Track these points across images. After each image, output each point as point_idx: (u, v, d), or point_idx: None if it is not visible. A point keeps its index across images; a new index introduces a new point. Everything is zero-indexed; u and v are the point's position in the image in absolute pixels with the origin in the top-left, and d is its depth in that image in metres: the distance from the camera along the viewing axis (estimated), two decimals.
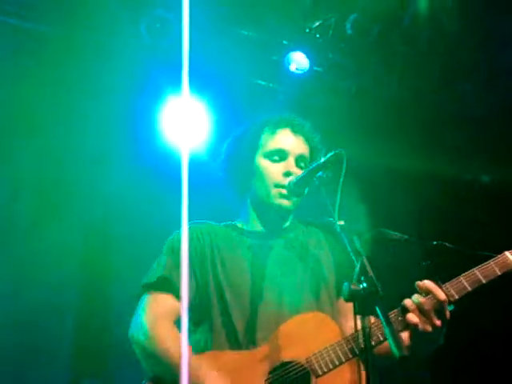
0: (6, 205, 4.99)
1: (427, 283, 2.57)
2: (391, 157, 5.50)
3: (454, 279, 2.63)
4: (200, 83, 4.84)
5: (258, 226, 2.94)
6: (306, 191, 2.77)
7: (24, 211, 5.04)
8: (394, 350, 2.05)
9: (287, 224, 2.96)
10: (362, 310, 2.07)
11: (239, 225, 3.00)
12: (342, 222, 2.33)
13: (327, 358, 2.54)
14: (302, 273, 2.80)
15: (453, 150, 5.76)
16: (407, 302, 2.57)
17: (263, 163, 2.90)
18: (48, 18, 4.81)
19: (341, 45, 5.36)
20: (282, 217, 2.93)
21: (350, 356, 2.53)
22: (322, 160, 2.57)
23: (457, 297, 2.59)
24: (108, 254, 5.31)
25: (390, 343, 2.06)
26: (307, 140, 2.98)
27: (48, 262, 4.83)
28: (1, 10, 4.72)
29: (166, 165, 4.94)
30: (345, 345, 2.55)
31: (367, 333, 2.06)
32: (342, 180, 2.38)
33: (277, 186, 2.83)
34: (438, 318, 2.53)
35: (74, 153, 5.17)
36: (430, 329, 2.53)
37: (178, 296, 2.71)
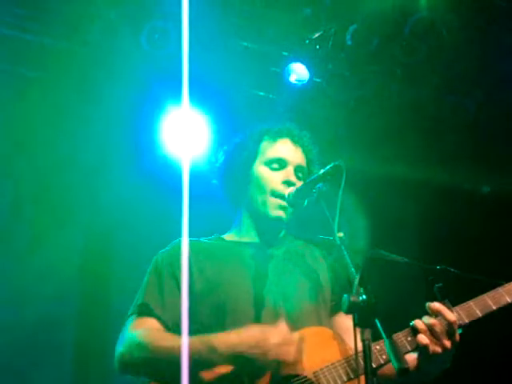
0: (6, 217, 4.99)
1: (437, 305, 2.57)
2: (391, 167, 5.51)
3: (464, 304, 2.62)
4: (200, 94, 4.85)
5: (252, 237, 2.92)
6: (305, 203, 2.76)
7: (24, 223, 5.04)
8: (394, 362, 2.04)
9: (281, 236, 2.95)
10: (362, 322, 2.05)
11: (230, 237, 2.97)
12: (341, 234, 2.33)
13: (335, 374, 2.51)
14: (302, 283, 2.79)
15: (453, 160, 5.76)
16: (417, 322, 2.56)
17: (262, 170, 2.89)
18: (50, 30, 4.84)
19: (341, 56, 5.36)
20: (277, 228, 2.92)
21: (360, 373, 2.47)
22: (322, 172, 2.57)
23: (466, 321, 2.59)
24: (109, 266, 5.30)
25: (389, 356, 2.06)
26: (305, 152, 2.98)
27: (48, 275, 4.82)
28: (3, 23, 4.74)
29: (167, 175, 4.95)
30: (353, 362, 2.52)
31: (367, 345, 2.04)
32: (341, 192, 2.38)
33: (274, 194, 2.82)
34: (448, 340, 2.53)
35: (75, 163, 5.18)
36: (439, 350, 2.52)
37: (160, 320, 2.67)
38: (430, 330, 2.53)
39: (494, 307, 2.62)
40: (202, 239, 2.93)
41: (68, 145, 5.11)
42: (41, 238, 4.92)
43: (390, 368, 2.38)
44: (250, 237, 2.92)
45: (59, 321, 4.91)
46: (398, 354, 2.04)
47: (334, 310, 2.81)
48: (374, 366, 2.32)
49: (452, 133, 5.89)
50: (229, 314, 2.65)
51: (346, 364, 2.53)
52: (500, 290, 2.65)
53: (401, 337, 2.57)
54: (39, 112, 4.98)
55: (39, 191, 5.05)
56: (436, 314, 2.56)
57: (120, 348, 2.62)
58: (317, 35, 5.19)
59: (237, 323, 2.56)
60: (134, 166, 5.22)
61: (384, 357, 2.50)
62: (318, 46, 5.27)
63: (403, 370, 2.02)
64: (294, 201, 2.76)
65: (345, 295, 2.10)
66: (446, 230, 5.83)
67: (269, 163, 2.89)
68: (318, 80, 5.48)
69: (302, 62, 5.32)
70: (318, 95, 5.53)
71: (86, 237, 5.26)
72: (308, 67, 5.34)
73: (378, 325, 2.05)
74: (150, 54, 4.92)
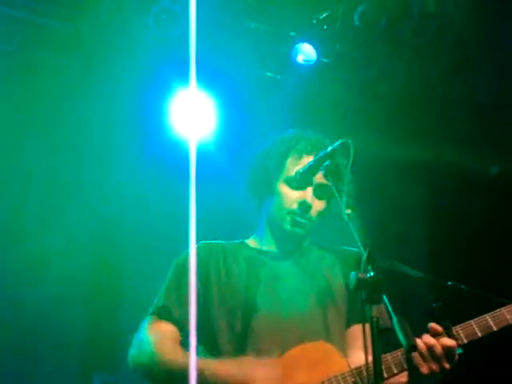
0: (16, 198, 5.01)
1: (439, 328, 2.57)
2: (399, 148, 5.48)
3: (465, 323, 2.62)
4: (207, 75, 4.83)
5: (272, 246, 2.93)
6: (312, 180, 2.75)
7: (33, 206, 5.06)
8: (403, 340, 2.04)
9: (303, 247, 2.95)
10: (370, 298, 2.05)
11: (252, 243, 2.99)
12: (349, 211, 2.32)
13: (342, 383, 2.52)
14: (315, 297, 2.80)
15: (462, 141, 5.73)
16: (418, 341, 2.53)
17: (283, 189, 2.86)
18: (56, 12, 4.82)
19: (348, 36, 5.33)
20: (294, 241, 2.91)
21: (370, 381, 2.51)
22: (330, 149, 2.56)
23: (465, 341, 2.59)
24: (118, 247, 5.33)
25: (397, 333, 2.06)
26: None
27: (59, 257, 4.85)
28: (9, 3, 4.73)
29: (174, 157, 4.95)
30: (356, 376, 2.53)
31: (374, 322, 2.04)
32: (349, 169, 2.38)
33: (291, 212, 2.82)
34: (447, 362, 2.54)
35: (82, 146, 5.19)
36: (437, 370, 2.53)
37: (177, 325, 2.72)
38: (430, 350, 2.52)
39: (495, 328, 2.62)
40: (229, 242, 2.96)
41: (74, 128, 5.11)
42: (51, 223, 4.95)
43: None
44: (270, 245, 2.94)
45: (70, 304, 4.94)
46: (407, 331, 2.04)
47: (348, 323, 2.82)
48: (385, 375, 2.44)
49: (461, 114, 5.86)
50: (240, 331, 2.67)
51: (348, 378, 2.54)
52: (503, 310, 2.66)
53: (398, 354, 2.57)
54: (46, 94, 4.98)
55: (47, 175, 5.07)
56: (435, 334, 2.56)
57: (134, 349, 2.71)
58: (324, 15, 5.16)
59: (248, 342, 2.63)
60: (140, 147, 5.22)
61: (395, 368, 2.53)
62: (325, 27, 5.23)
63: (411, 347, 2.02)
64: (302, 179, 2.75)
65: (352, 272, 2.10)
66: (456, 211, 5.82)
67: (290, 181, 2.85)
68: (325, 60, 5.45)
69: (309, 43, 5.29)
70: (326, 76, 5.51)
71: (95, 220, 5.28)
72: (315, 47, 5.31)
73: (386, 301, 2.05)
74: (157, 35, 4.90)
